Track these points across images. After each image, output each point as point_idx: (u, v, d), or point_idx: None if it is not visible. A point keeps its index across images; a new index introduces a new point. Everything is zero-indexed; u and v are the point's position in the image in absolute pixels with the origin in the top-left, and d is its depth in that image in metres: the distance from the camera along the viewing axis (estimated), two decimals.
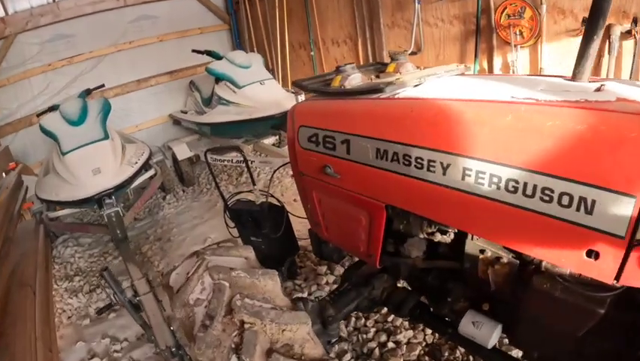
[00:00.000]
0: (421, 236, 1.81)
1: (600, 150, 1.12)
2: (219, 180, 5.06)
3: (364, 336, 2.55)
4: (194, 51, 4.84)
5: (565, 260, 1.26)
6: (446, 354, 2.35)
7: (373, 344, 2.46)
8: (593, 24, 1.47)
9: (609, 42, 3.27)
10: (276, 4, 5.08)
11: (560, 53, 3.55)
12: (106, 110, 4.11)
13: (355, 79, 2.15)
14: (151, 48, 5.61)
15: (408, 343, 2.47)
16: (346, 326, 2.63)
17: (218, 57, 4.61)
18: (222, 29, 6.09)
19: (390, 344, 2.45)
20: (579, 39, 3.60)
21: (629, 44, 3.29)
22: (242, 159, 4.31)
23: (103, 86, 4.62)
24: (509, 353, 2.01)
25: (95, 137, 3.72)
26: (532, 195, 1.22)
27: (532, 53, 3.77)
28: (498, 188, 1.30)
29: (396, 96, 1.83)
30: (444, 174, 1.45)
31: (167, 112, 5.64)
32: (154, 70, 5.66)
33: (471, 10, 3.94)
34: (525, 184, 1.23)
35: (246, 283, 1.79)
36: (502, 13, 3.75)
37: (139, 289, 2.09)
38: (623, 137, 1.09)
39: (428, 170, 1.50)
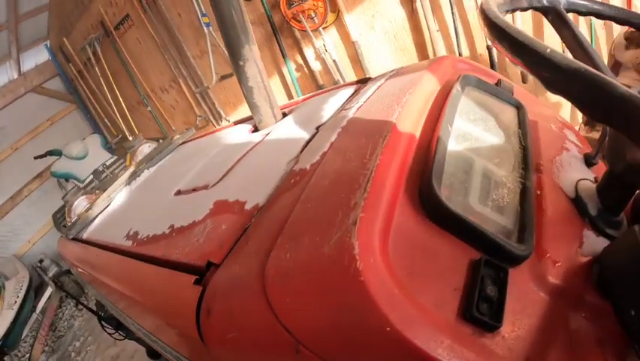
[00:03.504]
0: None
1: None
2: None
3: None
4: (36, 158, 4.63)
5: None
6: None
7: None
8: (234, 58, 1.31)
9: None
10: (99, 72, 4.83)
11: (367, 16, 3.36)
12: None
13: (79, 205, 2.03)
14: (10, 160, 5.41)
15: None
16: None
17: (59, 154, 4.43)
18: (71, 110, 5.86)
19: None
20: None
21: None
22: None
23: None
24: None
25: None
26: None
27: (340, 29, 3.58)
28: None
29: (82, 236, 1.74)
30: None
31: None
32: (22, 180, 5.47)
33: (262, 10, 3.71)
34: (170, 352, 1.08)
35: None
36: (286, 3, 3.52)
37: None
38: None
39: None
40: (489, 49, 2.97)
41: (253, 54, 1.32)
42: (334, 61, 3.64)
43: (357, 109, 1.05)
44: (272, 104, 1.39)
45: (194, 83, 4.44)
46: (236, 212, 0.88)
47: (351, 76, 3.68)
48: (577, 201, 0.73)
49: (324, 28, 3.57)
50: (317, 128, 1.12)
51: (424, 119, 0.86)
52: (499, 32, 0.56)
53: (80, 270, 1.68)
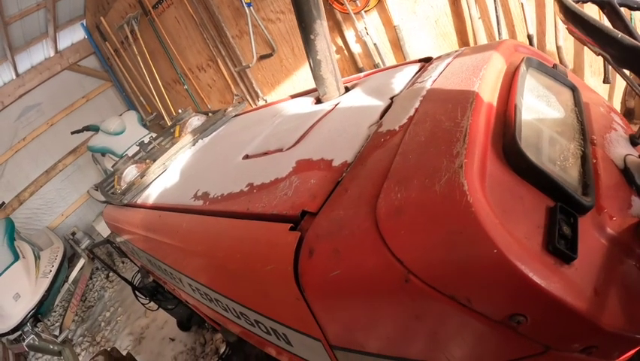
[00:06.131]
0: None
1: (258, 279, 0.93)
2: None
3: None
4: (73, 133, 4.74)
5: None
6: None
7: None
8: (305, 32, 1.35)
9: None
10: (136, 51, 4.89)
11: (409, 1, 3.32)
12: (10, 229, 4.12)
13: (129, 174, 2.07)
14: (46, 136, 5.56)
15: None
16: None
17: (96, 130, 4.52)
18: (106, 88, 5.98)
19: None
20: None
21: None
22: None
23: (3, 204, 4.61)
24: None
25: (6, 262, 3.73)
26: (239, 317, 1.18)
27: (382, 13, 3.55)
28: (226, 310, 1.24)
29: (137, 201, 1.78)
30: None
31: (85, 189, 5.63)
32: (57, 155, 5.62)
33: None
34: (232, 308, 1.17)
35: None
36: None
37: None
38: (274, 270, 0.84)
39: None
40: (529, 38, 2.92)
41: (323, 29, 1.37)
42: (375, 44, 3.61)
43: (434, 81, 1.14)
44: (337, 78, 1.44)
45: (232, 62, 4.47)
46: (324, 168, 0.96)
47: (391, 60, 3.65)
48: (625, 172, 0.85)
49: (365, 12, 3.55)
50: (391, 99, 1.20)
51: (498, 91, 0.96)
52: (576, 18, 0.71)
53: (131, 235, 1.73)
